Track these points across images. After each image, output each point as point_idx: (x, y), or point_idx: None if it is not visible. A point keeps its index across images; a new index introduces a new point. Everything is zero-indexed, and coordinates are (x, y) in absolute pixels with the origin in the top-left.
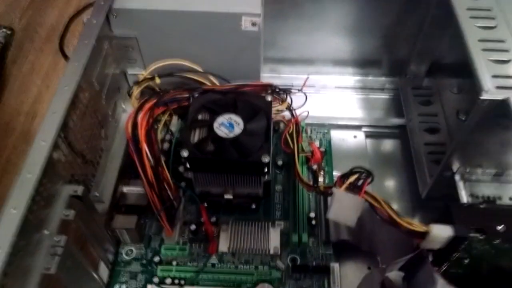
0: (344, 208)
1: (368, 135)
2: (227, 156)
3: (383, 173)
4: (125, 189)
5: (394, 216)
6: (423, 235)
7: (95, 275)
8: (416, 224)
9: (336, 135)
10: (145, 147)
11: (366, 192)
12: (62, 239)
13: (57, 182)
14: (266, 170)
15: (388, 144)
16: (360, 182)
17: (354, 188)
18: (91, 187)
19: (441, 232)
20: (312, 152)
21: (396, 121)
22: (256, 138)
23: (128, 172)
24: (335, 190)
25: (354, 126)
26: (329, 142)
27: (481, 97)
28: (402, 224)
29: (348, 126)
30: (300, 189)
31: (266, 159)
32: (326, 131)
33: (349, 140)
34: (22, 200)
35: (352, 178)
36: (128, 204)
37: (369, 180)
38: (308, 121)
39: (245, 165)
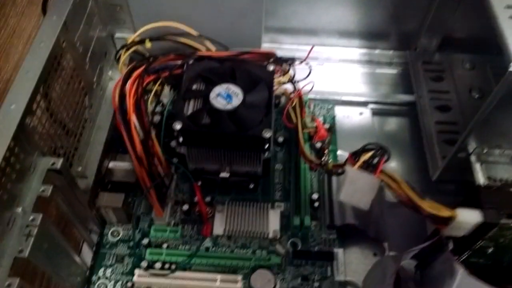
0: (357, 189)
1: (375, 112)
2: (224, 130)
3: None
4: (112, 164)
5: (416, 199)
6: (447, 220)
7: (77, 258)
8: (441, 208)
9: (341, 112)
10: (133, 118)
11: (382, 171)
12: (37, 217)
13: (32, 153)
14: (266, 146)
15: (396, 122)
16: (375, 160)
17: (369, 167)
18: (73, 161)
19: (468, 218)
20: (316, 128)
21: (405, 97)
22: (256, 111)
23: (115, 146)
24: (348, 168)
25: (360, 102)
26: (333, 118)
27: (511, 69)
28: (424, 208)
29: (353, 102)
30: (302, 168)
31: (267, 133)
32: (330, 106)
33: (355, 117)
34: None
35: (366, 156)
36: (115, 180)
37: (385, 157)
38: (310, 95)
39: (244, 139)
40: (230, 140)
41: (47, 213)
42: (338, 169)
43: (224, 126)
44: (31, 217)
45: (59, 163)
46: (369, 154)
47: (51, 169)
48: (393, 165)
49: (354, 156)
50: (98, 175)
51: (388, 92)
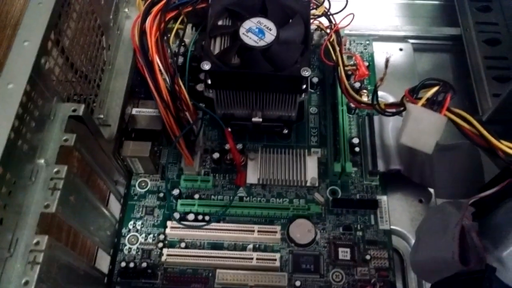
0: (422, 130)
1: (416, 48)
2: (258, 70)
3: None
4: (135, 111)
5: (493, 139)
6: None
7: (105, 211)
8: None
9: (379, 48)
10: (156, 59)
11: (449, 109)
12: (62, 169)
13: (51, 99)
14: (304, 86)
15: (440, 59)
16: (440, 97)
17: (433, 106)
18: (94, 108)
19: None
20: (356, 66)
21: (450, 31)
22: (292, 47)
23: (137, 91)
24: (410, 106)
25: (399, 37)
26: (372, 56)
27: None
28: (504, 149)
29: (392, 38)
30: (340, 110)
31: (306, 72)
32: (367, 42)
33: (394, 53)
34: (4, 118)
35: (430, 92)
36: (139, 128)
37: (451, 93)
38: (345, 31)
39: (279, 80)
40: (264, 81)
41: (71, 164)
42: (393, 109)
43: (257, 65)
44: (55, 169)
45: (81, 109)
46: (433, 90)
47: (72, 116)
48: None
49: (412, 93)
50: (122, 123)
51: (431, 25)
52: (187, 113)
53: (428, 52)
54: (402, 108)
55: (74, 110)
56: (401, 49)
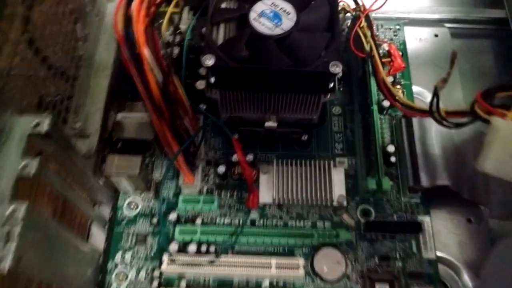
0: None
1: (454, 34)
2: (273, 65)
3: (477, 86)
4: (120, 116)
5: None
6: None
7: (84, 248)
8: None
9: (411, 34)
10: (145, 52)
11: None
12: (20, 208)
13: (4, 112)
14: (332, 85)
15: (482, 45)
16: None
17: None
18: (68, 115)
19: None
20: (390, 57)
21: (493, 13)
22: (317, 36)
23: (122, 91)
24: (498, 122)
25: (434, 21)
26: (404, 44)
27: None
28: None
29: (426, 21)
30: (373, 110)
31: (336, 68)
32: (398, 27)
33: (429, 40)
34: None
35: None
36: (126, 138)
37: None
38: (372, 14)
39: (302, 77)
40: (281, 79)
41: (35, 198)
42: (458, 118)
43: (272, 59)
44: (10, 209)
45: (45, 122)
46: None
47: (34, 134)
48: None
49: (486, 97)
50: (104, 133)
51: (471, 7)
52: (185, 120)
53: (469, 38)
54: (470, 119)
55: (36, 125)
56: (436, 35)
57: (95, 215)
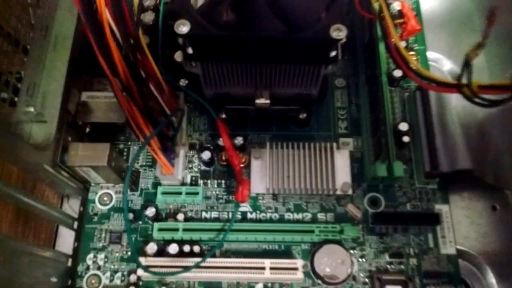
0: None
1: None
2: (264, 31)
3: (502, 52)
4: (86, 96)
5: None
6: None
7: (49, 254)
8: None
9: None
10: (107, 15)
11: None
12: None
13: None
14: (334, 54)
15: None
16: None
17: None
18: (18, 96)
19: None
20: (403, 17)
21: None
22: None
23: (87, 66)
24: None
25: None
26: (417, 2)
27: None
28: None
29: None
30: (382, 82)
31: (339, 32)
32: None
33: None
34: None
35: None
36: (94, 122)
37: None
38: None
39: (298, 46)
40: (273, 48)
41: None
42: (496, 93)
43: (263, 24)
44: None
45: None
46: None
47: None
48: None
49: None
50: (65, 116)
51: None
52: (160, 98)
53: None
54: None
55: None
56: None
57: (62, 213)
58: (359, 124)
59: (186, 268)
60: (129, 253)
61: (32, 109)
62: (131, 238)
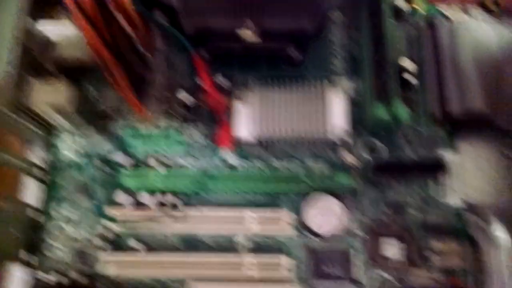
0: None
1: None
2: None
3: None
4: (49, 28)
5: None
6: None
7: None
8: None
9: None
10: None
11: None
12: None
13: None
14: None
15: None
16: None
17: None
18: None
19: None
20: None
21: None
22: None
23: None
24: None
25: None
26: None
27: None
28: None
29: None
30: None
31: None
32: None
33: None
34: None
35: None
36: (57, 59)
37: None
38: None
39: None
40: None
41: None
42: None
43: None
44: None
45: None
46: None
47: None
48: None
49: None
50: (24, 52)
51: None
52: (131, 32)
53: None
54: None
55: None
56: None
57: (26, 162)
58: (359, 63)
59: (160, 219)
60: (98, 204)
61: None
62: (100, 187)
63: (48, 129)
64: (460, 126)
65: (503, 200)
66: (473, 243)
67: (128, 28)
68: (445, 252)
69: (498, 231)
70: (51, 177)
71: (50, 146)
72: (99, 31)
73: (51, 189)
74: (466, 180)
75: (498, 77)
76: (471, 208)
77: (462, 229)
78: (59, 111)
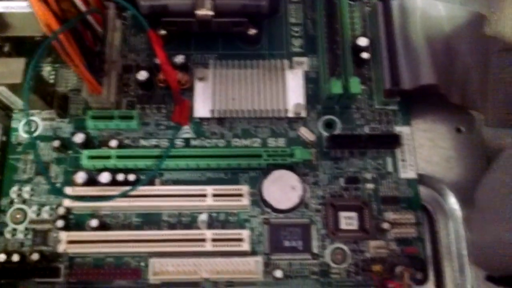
0: None
1: None
2: None
3: None
4: (3, 5)
5: None
6: None
7: None
8: None
9: None
10: None
11: None
12: None
13: None
14: None
15: None
16: None
17: None
18: None
19: None
20: None
21: None
22: None
23: None
24: None
25: None
26: None
27: None
28: None
29: None
30: None
31: None
32: None
33: None
34: None
35: None
36: (11, 36)
37: None
38: None
39: None
40: None
41: None
42: None
43: None
44: None
45: None
46: None
47: None
48: None
49: None
50: None
51: None
52: (81, 6)
53: None
54: None
55: None
56: None
57: None
58: (315, 41)
59: (117, 195)
60: (58, 185)
61: None
62: (58, 167)
63: (4, 110)
64: (413, 101)
65: (456, 172)
66: (428, 214)
67: (80, 4)
68: (402, 223)
69: (452, 203)
70: (8, 158)
71: (6, 127)
72: (51, 7)
73: (9, 170)
74: (420, 154)
75: (450, 53)
76: (425, 180)
77: (417, 201)
78: (12, 88)
